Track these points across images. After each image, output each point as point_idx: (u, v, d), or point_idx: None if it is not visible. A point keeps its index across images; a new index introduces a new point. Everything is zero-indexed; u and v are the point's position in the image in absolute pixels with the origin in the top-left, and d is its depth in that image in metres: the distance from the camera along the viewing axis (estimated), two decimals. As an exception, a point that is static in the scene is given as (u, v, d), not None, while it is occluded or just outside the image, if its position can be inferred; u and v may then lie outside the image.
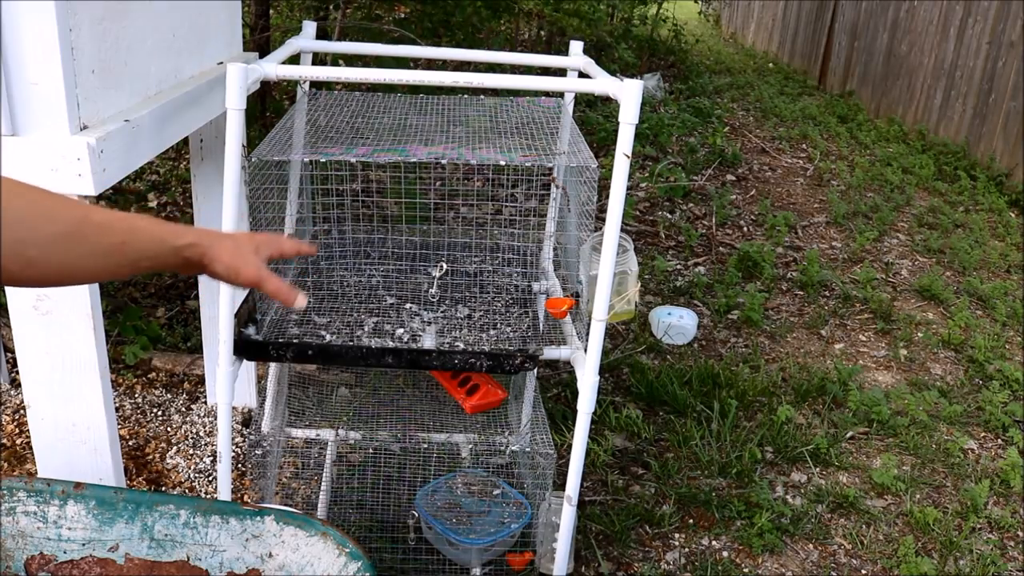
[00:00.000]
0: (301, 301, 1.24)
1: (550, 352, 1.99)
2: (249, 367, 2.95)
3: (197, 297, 3.02)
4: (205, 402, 3.01)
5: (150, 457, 2.74)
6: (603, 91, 1.79)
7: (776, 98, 8.73)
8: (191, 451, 2.77)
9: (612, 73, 2.14)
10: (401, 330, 2.04)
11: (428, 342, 1.99)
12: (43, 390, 1.78)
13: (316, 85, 2.41)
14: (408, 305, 2.18)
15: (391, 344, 1.96)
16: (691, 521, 2.68)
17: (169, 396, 3.04)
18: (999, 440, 3.22)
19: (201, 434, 2.85)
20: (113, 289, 3.74)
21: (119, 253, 1.03)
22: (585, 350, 1.90)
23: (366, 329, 2.04)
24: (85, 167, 1.62)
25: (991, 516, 2.78)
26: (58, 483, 1.49)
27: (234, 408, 2.92)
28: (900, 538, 2.66)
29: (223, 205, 1.71)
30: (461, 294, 2.25)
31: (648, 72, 8.46)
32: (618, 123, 1.69)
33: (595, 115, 6.61)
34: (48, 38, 1.56)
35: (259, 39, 4.43)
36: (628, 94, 1.68)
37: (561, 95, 2.32)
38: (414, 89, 2.47)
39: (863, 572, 2.55)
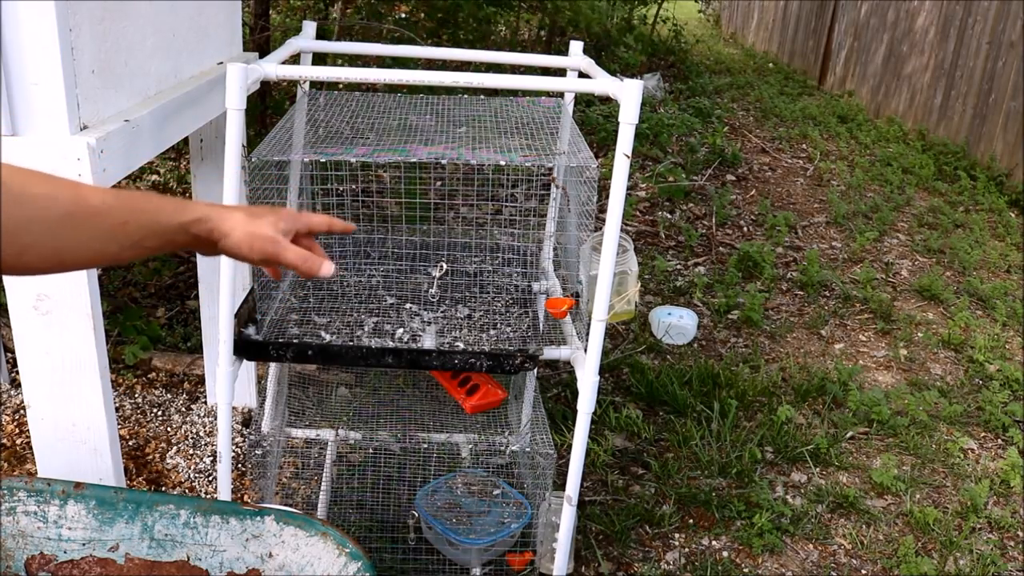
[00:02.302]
0: (328, 268, 1.11)
1: (550, 352, 1.99)
2: (249, 367, 2.95)
3: (197, 297, 3.02)
4: (205, 402, 3.01)
5: (150, 457, 2.74)
6: (603, 91, 1.79)
7: (776, 98, 8.72)
8: (191, 451, 2.77)
9: (612, 73, 2.14)
10: (401, 330, 2.04)
11: (428, 342, 1.99)
12: (43, 390, 1.78)
13: (316, 85, 2.41)
14: (408, 305, 2.18)
15: (391, 344, 1.96)
16: (691, 521, 2.68)
17: (169, 396, 3.04)
18: (999, 440, 3.22)
19: (201, 434, 2.85)
20: (113, 289, 3.74)
21: (121, 234, 0.96)
22: (585, 350, 1.90)
23: (366, 329, 2.04)
24: (85, 167, 1.62)
25: (991, 516, 2.78)
26: (58, 483, 1.49)
27: (234, 408, 2.92)
28: (900, 538, 2.66)
29: (223, 205, 1.71)
30: (461, 294, 2.25)
31: (648, 72, 8.46)
32: (618, 123, 1.69)
33: (595, 115, 6.60)
34: (48, 38, 1.56)
35: (259, 39, 4.43)
36: (628, 94, 1.68)
37: (561, 95, 2.32)
38: (414, 89, 2.47)
39: (863, 572, 2.55)
